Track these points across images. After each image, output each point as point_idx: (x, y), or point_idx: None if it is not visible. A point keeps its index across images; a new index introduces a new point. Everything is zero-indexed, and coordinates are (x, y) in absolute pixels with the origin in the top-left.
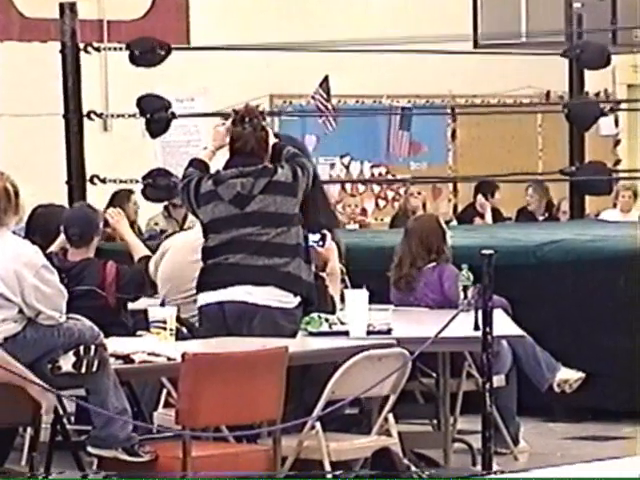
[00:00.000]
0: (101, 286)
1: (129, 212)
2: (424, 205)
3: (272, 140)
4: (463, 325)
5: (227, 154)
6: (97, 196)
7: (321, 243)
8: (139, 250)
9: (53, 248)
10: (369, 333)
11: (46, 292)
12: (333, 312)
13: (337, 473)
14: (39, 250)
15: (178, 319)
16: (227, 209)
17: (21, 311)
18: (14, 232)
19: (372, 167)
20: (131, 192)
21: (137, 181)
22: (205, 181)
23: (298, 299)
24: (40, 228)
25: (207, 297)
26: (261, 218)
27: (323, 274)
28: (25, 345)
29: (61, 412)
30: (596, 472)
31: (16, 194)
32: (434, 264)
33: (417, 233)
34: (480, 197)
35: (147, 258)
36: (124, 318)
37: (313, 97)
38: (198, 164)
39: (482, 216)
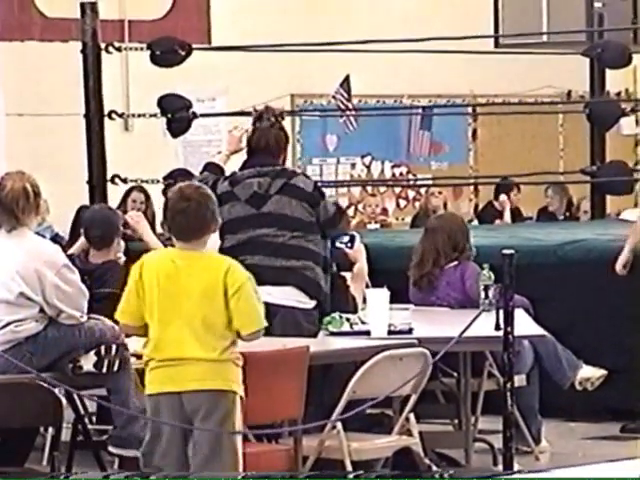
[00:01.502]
0: (123, 289)
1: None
2: (445, 205)
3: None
4: (484, 325)
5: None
6: (119, 196)
7: (350, 244)
8: None
9: (74, 250)
10: (390, 333)
11: (67, 291)
12: (354, 312)
13: (358, 473)
14: (60, 249)
15: None
16: (244, 209)
17: (42, 310)
18: (38, 233)
19: (393, 167)
20: (131, 190)
21: (158, 181)
22: (221, 182)
23: (314, 302)
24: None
25: None
26: (277, 220)
27: (346, 274)
28: (46, 344)
29: (82, 412)
30: (617, 472)
31: (36, 194)
32: (456, 262)
33: (444, 230)
34: (503, 195)
35: None
36: None
37: (334, 97)
38: (213, 168)
39: (502, 216)
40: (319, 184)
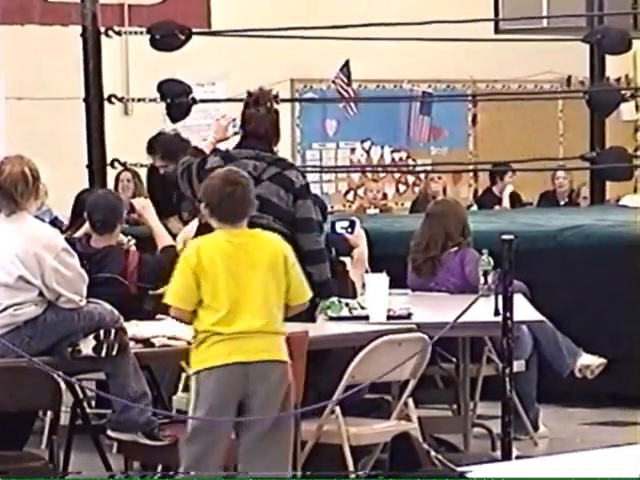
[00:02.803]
0: (123, 274)
1: None
2: (444, 190)
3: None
4: (483, 310)
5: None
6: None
7: (350, 230)
8: (164, 239)
9: (79, 233)
10: (389, 318)
11: (66, 275)
12: (354, 297)
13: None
14: (59, 233)
15: None
16: None
17: (41, 294)
18: (37, 216)
19: (393, 152)
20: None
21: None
22: (212, 157)
23: None
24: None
25: None
26: (262, 204)
27: (345, 259)
28: (45, 328)
29: (81, 396)
30: (617, 458)
31: (35, 178)
32: (456, 248)
33: (450, 215)
34: (506, 179)
35: (171, 247)
36: (145, 306)
37: (334, 82)
38: (196, 153)
39: (501, 201)
40: (309, 185)
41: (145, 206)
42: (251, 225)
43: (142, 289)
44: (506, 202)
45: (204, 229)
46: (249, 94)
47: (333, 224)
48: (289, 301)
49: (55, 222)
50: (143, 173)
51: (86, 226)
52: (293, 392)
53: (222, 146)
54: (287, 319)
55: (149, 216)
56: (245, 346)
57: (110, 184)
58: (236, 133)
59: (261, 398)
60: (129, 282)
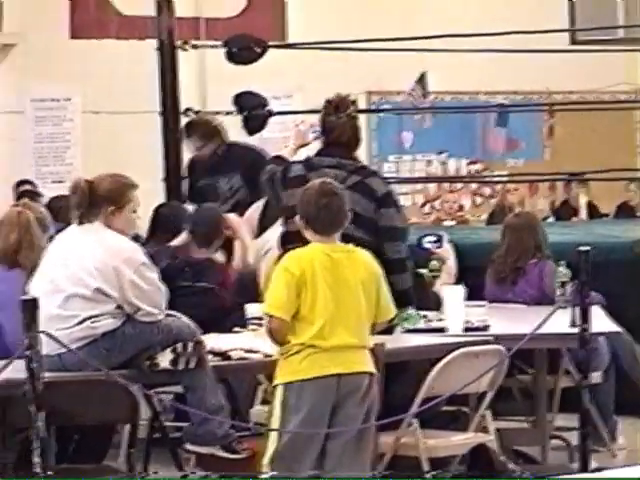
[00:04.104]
0: (220, 286)
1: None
2: (521, 201)
3: None
4: (560, 322)
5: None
6: None
7: (438, 244)
8: (250, 257)
9: (175, 243)
10: (466, 330)
11: (145, 289)
12: (437, 309)
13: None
14: (139, 248)
15: None
16: None
17: (119, 307)
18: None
19: (469, 164)
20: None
21: None
22: (295, 165)
23: None
24: (164, 225)
25: None
26: None
27: (424, 271)
28: (123, 341)
29: (159, 409)
30: None
31: (120, 194)
32: (535, 260)
33: (531, 228)
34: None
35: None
36: (237, 320)
37: (410, 94)
38: (280, 162)
39: (577, 213)
40: (392, 193)
41: (240, 223)
42: None
43: (236, 303)
44: (583, 213)
45: (292, 237)
46: (328, 102)
47: (420, 239)
48: (376, 318)
49: (137, 238)
50: None
51: (184, 236)
52: (377, 402)
53: (303, 152)
54: None
55: (243, 233)
56: (340, 359)
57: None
58: (316, 138)
59: (349, 408)
60: (225, 295)
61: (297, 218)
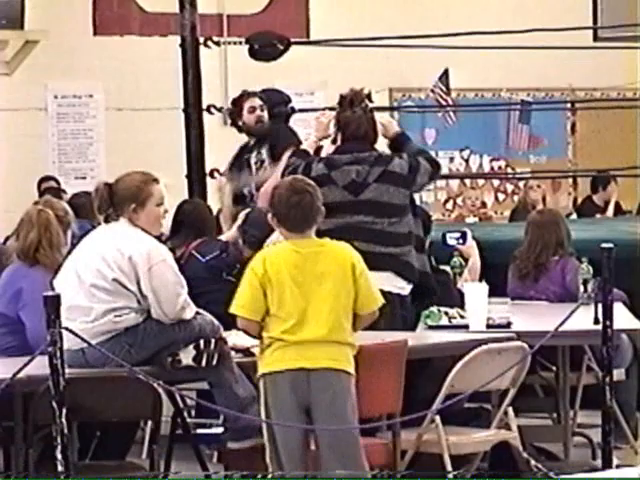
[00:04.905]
0: None
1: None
2: (544, 198)
3: (395, 129)
4: (583, 319)
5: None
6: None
7: (461, 241)
8: None
9: (225, 238)
10: (489, 327)
11: (157, 288)
12: (462, 306)
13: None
14: (159, 244)
15: None
16: (341, 194)
17: (140, 302)
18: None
19: (491, 161)
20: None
21: None
22: (315, 164)
23: (410, 286)
24: (188, 222)
25: None
26: (374, 207)
27: (446, 267)
28: (145, 336)
29: (181, 405)
30: None
31: (142, 191)
32: (557, 257)
33: (562, 223)
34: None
35: None
36: None
37: (432, 91)
38: (301, 154)
39: (601, 210)
40: (420, 160)
41: None
42: (365, 231)
43: None
44: (610, 211)
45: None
46: (342, 97)
47: (444, 236)
48: (358, 310)
49: (159, 236)
50: None
51: (233, 233)
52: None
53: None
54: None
55: None
56: (309, 353)
57: (210, 195)
58: (323, 138)
59: (324, 408)
60: None
61: (269, 216)
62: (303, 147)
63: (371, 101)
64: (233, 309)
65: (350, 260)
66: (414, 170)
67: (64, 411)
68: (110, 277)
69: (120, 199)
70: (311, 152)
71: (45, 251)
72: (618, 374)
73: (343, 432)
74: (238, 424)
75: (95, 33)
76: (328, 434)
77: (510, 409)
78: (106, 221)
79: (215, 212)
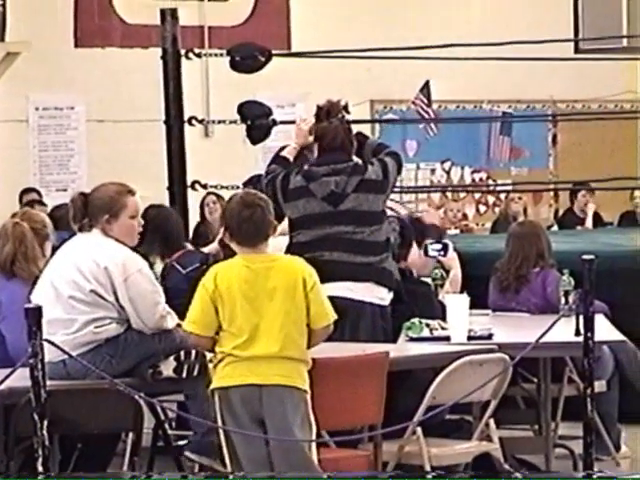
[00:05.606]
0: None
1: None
2: (525, 210)
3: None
4: (564, 330)
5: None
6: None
7: (443, 253)
8: None
9: (207, 250)
10: (470, 338)
11: (134, 298)
12: (444, 318)
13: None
14: (136, 256)
15: None
16: (320, 206)
17: (120, 313)
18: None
19: (473, 172)
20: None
21: (238, 187)
22: (294, 176)
23: (391, 295)
24: (152, 227)
25: None
26: (354, 217)
27: (427, 279)
28: (126, 347)
29: (162, 417)
30: None
31: (116, 202)
32: (538, 269)
33: (543, 234)
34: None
35: None
36: None
37: (414, 102)
38: (281, 161)
39: (582, 222)
40: (381, 159)
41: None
42: (346, 241)
43: None
44: (589, 222)
45: (298, 248)
46: (319, 108)
47: (426, 247)
48: (312, 324)
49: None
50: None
51: (214, 245)
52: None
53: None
54: (361, 329)
55: None
56: (260, 369)
57: (191, 206)
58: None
59: (277, 422)
60: None
61: (222, 230)
62: (283, 154)
63: (348, 112)
64: (184, 325)
65: (301, 275)
66: (386, 173)
67: (45, 423)
68: (87, 289)
69: (94, 209)
70: (291, 159)
71: (21, 264)
72: (599, 386)
73: (294, 448)
74: (203, 439)
75: (76, 45)
76: (280, 448)
77: (491, 421)
78: (80, 231)
79: (195, 224)
